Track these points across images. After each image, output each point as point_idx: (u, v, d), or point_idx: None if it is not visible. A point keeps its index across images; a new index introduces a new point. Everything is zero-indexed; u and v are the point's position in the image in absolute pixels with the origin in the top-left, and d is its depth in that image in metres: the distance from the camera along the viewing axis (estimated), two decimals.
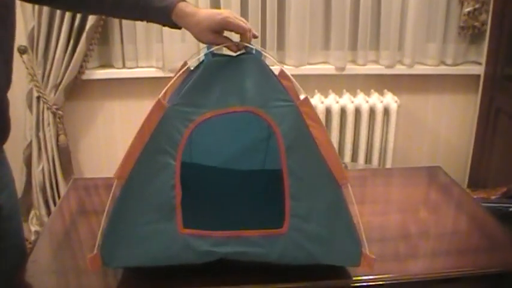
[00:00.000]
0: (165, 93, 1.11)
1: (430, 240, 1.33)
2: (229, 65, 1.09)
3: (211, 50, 1.12)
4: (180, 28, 1.23)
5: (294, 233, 1.10)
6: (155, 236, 1.08)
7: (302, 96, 1.10)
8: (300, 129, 1.08)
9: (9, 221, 1.27)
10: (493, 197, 2.39)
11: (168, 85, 1.10)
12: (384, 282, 1.16)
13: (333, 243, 1.12)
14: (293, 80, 1.17)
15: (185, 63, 1.23)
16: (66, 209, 1.44)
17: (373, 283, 1.15)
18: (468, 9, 2.63)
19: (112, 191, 1.07)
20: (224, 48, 1.18)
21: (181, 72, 1.14)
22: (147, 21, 1.31)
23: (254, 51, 1.11)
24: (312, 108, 1.09)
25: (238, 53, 1.15)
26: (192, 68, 1.22)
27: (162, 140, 1.06)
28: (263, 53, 1.12)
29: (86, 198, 1.51)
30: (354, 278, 1.16)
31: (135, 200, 1.07)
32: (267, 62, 1.13)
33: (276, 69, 1.19)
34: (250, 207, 1.29)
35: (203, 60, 1.11)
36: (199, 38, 1.18)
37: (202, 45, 2.61)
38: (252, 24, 1.18)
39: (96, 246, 1.08)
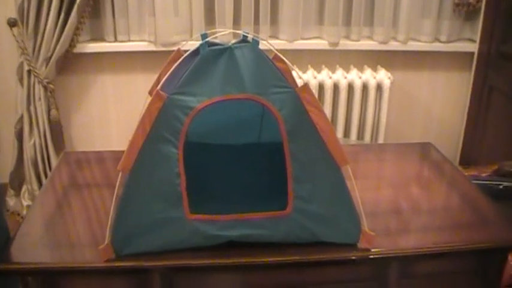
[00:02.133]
0: (160, 81, 1.11)
1: (420, 215, 1.33)
2: (226, 55, 1.09)
3: (207, 39, 1.10)
4: None
5: (297, 214, 1.13)
6: (164, 224, 1.11)
7: (301, 82, 1.11)
8: (299, 115, 1.10)
9: None
10: (484, 175, 2.41)
11: (166, 75, 1.09)
12: (374, 256, 1.17)
13: (334, 222, 1.16)
14: (288, 63, 1.17)
15: (178, 51, 1.22)
16: (56, 183, 1.44)
17: (379, 256, 1.18)
18: None
19: (117, 182, 1.08)
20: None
21: (179, 61, 1.12)
22: None
23: (251, 40, 1.11)
24: (311, 94, 1.10)
25: (234, 41, 1.14)
26: (186, 56, 1.20)
27: (163, 130, 1.07)
28: (259, 41, 1.11)
29: (77, 172, 1.50)
30: (346, 254, 1.17)
31: (141, 190, 1.09)
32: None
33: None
34: (254, 189, 1.30)
35: (198, 49, 1.10)
36: None
37: (195, 20, 2.60)
38: None
39: (107, 237, 1.09)
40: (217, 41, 1.14)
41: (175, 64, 1.12)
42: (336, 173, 1.13)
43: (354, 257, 1.17)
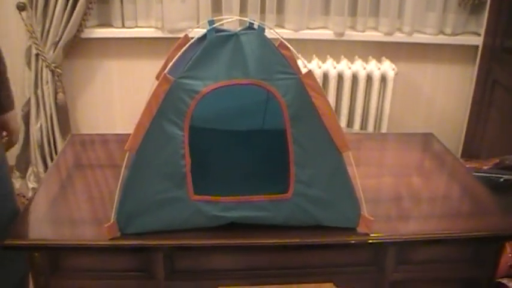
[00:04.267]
0: (167, 65, 1.13)
1: (419, 203, 1.36)
2: (233, 41, 1.11)
3: (214, 25, 1.13)
4: None
5: (298, 197, 1.16)
6: (168, 204, 1.14)
7: (305, 70, 1.13)
8: (303, 100, 1.12)
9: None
10: (485, 167, 2.42)
11: (174, 60, 1.12)
12: (373, 241, 1.20)
13: (334, 207, 1.18)
14: (293, 50, 1.19)
15: (186, 37, 1.24)
16: (63, 164, 1.47)
17: (377, 241, 1.21)
18: None
19: (124, 162, 1.11)
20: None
21: (187, 46, 1.15)
22: None
23: (257, 27, 1.13)
24: (315, 80, 1.12)
25: (240, 28, 1.16)
26: (193, 42, 1.23)
27: (169, 112, 1.09)
28: (265, 27, 1.14)
29: (83, 153, 1.53)
30: (346, 238, 1.20)
31: (147, 170, 1.12)
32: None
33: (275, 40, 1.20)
34: (256, 173, 1.33)
35: (205, 35, 1.12)
36: None
37: (201, 7, 2.61)
38: None
39: (113, 215, 1.13)
40: (224, 27, 1.17)
41: (183, 49, 1.14)
42: (337, 158, 1.15)
43: (353, 241, 1.20)
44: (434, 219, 1.30)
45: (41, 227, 1.20)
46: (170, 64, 1.12)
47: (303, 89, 1.12)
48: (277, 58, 1.13)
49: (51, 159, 2.66)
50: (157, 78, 1.38)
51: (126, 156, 1.10)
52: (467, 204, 1.38)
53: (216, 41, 1.11)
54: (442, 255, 1.29)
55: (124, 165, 1.10)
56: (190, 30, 1.23)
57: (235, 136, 1.51)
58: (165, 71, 1.09)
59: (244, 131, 1.52)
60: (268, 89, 1.12)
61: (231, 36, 1.12)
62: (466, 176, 1.51)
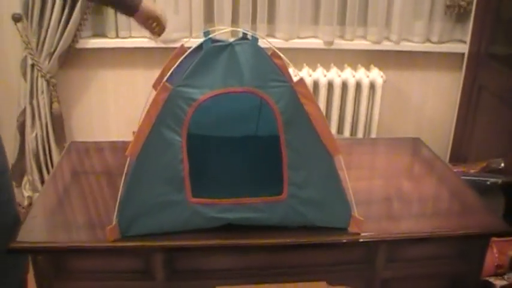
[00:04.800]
0: (164, 74, 1.18)
1: (409, 204, 1.42)
2: (228, 51, 1.17)
3: (210, 36, 1.18)
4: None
5: (292, 199, 1.21)
6: (167, 206, 1.19)
7: (297, 78, 1.19)
8: (295, 107, 1.18)
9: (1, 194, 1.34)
10: (472, 171, 2.49)
11: (172, 69, 1.17)
12: (364, 240, 1.25)
13: (326, 208, 1.24)
14: (285, 58, 1.24)
15: (182, 47, 1.30)
16: (63, 170, 1.51)
17: (368, 240, 1.27)
18: None
19: (126, 167, 1.16)
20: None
21: (184, 56, 1.20)
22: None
23: (250, 37, 1.19)
24: (306, 88, 1.18)
25: (235, 39, 1.22)
26: (189, 51, 1.28)
27: (168, 119, 1.15)
28: (258, 38, 1.19)
29: (82, 160, 1.58)
30: (338, 237, 1.25)
31: (147, 175, 1.17)
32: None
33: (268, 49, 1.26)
34: (251, 176, 1.38)
35: (201, 45, 1.18)
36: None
37: (194, 18, 2.66)
38: None
39: (114, 218, 1.17)
40: (218, 38, 1.22)
41: (180, 59, 1.19)
42: (328, 161, 1.21)
43: (345, 240, 1.25)
44: (422, 218, 1.36)
45: (44, 231, 1.24)
46: (168, 73, 1.17)
47: (295, 96, 1.17)
48: (270, 67, 1.18)
49: (47, 168, 2.69)
50: (153, 87, 1.43)
51: (127, 162, 1.15)
52: (454, 204, 1.44)
53: (211, 51, 1.16)
54: (431, 252, 1.34)
55: (125, 171, 1.15)
56: (186, 40, 1.29)
57: (230, 142, 1.56)
58: (164, 79, 1.14)
59: (239, 137, 1.57)
60: (262, 97, 1.17)
61: (226, 47, 1.17)
62: (452, 178, 1.57)
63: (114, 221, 1.17)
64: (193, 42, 1.23)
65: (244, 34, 1.21)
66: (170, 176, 1.17)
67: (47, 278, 1.22)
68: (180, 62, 1.19)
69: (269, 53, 1.24)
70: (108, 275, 1.25)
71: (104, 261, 1.25)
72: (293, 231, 1.24)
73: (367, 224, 1.26)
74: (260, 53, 1.18)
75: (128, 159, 1.15)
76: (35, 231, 1.24)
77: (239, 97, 1.36)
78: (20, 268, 1.40)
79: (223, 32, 1.24)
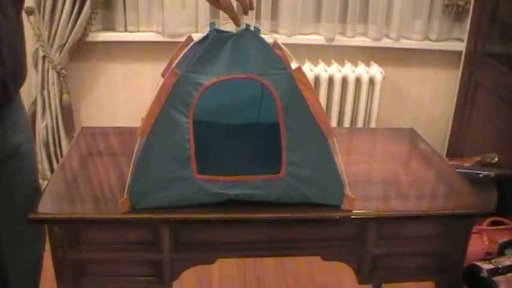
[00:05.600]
0: (172, 63, 1.28)
1: (399, 186, 1.51)
2: (232, 40, 1.26)
3: (215, 27, 1.28)
4: None
5: (289, 177, 1.31)
6: (174, 182, 1.28)
7: (295, 65, 1.28)
8: (293, 92, 1.27)
9: (26, 159, 1.43)
10: (466, 165, 2.58)
11: (179, 57, 1.27)
12: (355, 217, 1.34)
13: (321, 185, 1.33)
14: (285, 49, 1.33)
15: (190, 37, 1.39)
16: (77, 150, 1.61)
17: (358, 216, 1.36)
18: None
19: (136, 145, 1.25)
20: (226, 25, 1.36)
21: (191, 44, 1.30)
22: None
23: (253, 28, 1.28)
24: (304, 75, 1.27)
25: (239, 29, 1.31)
26: (196, 42, 1.38)
27: (176, 102, 1.24)
28: (261, 28, 1.29)
29: (93, 143, 1.68)
30: (330, 214, 1.34)
31: (156, 153, 1.26)
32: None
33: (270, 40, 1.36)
34: (252, 158, 1.47)
35: (208, 35, 1.27)
36: (210, 2, 1.38)
37: (200, 14, 2.76)
38: None
39: (126, 192, 1.26)
40: (223, 29, 1.32)
41: (188, 47, 1.29)
42: (323, 142, 1.30)
43: (338, 217, 1.34)
44: (411, 199, 1.45)
45: (60, 204, 1.34)
46: (177, 60, 1.27)
47: (294, 82, 1.26)
48: (271, 56, 1.27)
49: (56, 158, 2.80)
50: (162, 75, 1.52)
51: (138, 140, 1.24)
52: (442, 187, 1.54)
53: (217, 40, 1.26)
54: (419, 231, 1.42)
55: (136, 148, 1.24)
56: (192, 34, 1.39)
57: (232, 129, 1.65)
58: (173, 65, 1.24)
59: (240, 124, 1.66)
60: (264, 83, 1.26)
61: (231, 37, 1.26)
62: (441, 164, 1.66)
63: (126, 195, 1.26)
64: (200, 35, 1.33)
65: (247, 26, 1.30)
66: (177, 154, 1.26)
67: (61, 249, 1.31)
68: (188, 51, 1.29)
69: (271, 45, 1.33)
70: (118, 246, 1.34)
71: (115, 232, 1.33)
72: (290, 207, 1.32)
73: (360, 203, 1.36)
74: (262, 43, 1.27)
75: (139, 138, 1.24)
76: (51, 204, 1.34)
77: (241, 87, 1.46)
78: (39, 242, 1.49)
79: (227, 23, 1.33)
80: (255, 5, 1.29)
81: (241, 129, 1.66)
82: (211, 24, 1.30)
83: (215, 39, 1.26)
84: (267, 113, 1.52)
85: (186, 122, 1.25)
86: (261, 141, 1.56)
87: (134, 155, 1.25)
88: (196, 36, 1.36)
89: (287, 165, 1.30)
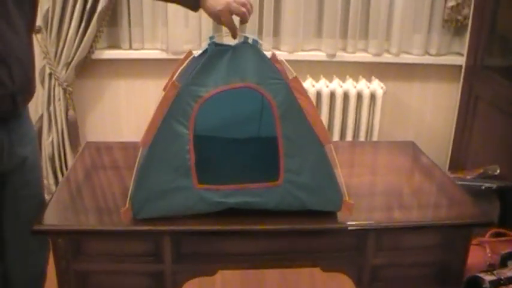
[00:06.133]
0: (173, 76, 1.32)
1: (399, 197, 1.53)
2: (230, 52, 1.30)
3: (213, 40, 1.32)
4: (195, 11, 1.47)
5: (288, 184, 1.34)
6: (175, 192, 1.31)
7: (292, 76, 1.32)
8: (290, 101, 1.31)
9: (32, 171, 1.47)
10: (468, 177, 2.59)
11: (179, 69, 1.32)
12: (352, 228, 1.37)
13: (319, 192, 1.36)
14: (284, 61, 1.36)
15: (190, 52, 1.44)
16: (81, 164, 1.64)
17: (359, 227, 1.39)
18: (451, 4, 2.82)
19: (138, 156, 1.29)
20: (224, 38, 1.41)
21: (190, 58, 1.35)
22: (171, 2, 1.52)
23: (251, 41, 1.32)
24: (300, 84, 1.31)
25: (237, 41, 1.35)
26: (196, 56, 1.41)
27: (177, 113, 1.28)
28: (259, 41, 1.33)
29: (98, 157, 1.71)
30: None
31: (157, 163, 1.29)
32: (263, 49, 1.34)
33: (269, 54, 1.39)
34: (252, 169, 1.50)
35: (207, 49, 1.31)
36: (211, 18, 1.41)
37: (203, 31, 2.80)
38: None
39: (128, 201, 1.29)
40: (224, 42, 1.36)
41: (187, 61, 1.33)
42: (320, 149, 1.33)
43: (336, 227, 1.37)
44: (410, 210, 1.48)
45: (64, 216, 1.37)
46: (177, 73, 1.31)
47: (290, 92, 1.30)
48: (269, 66, 1.31)
49: (61, 172, 2.83)
50: (164, 89, 1.56)
51: (140, 151, 1.27)
52: (442, 198, 1.56)
53: (215, 53, 1.30)
54: (418, 241, 1.44)
55: (138, 158, 1.28)
56: (195, 52, 1.44)
57: (233, 142, 1.68)
58: (173, 78, 1.27)
59: (241, 138, 1.69)
60: (261, 92, 1.31)
61: (229, 49, 1.30)
62: (440, 176, 1.68)
63: (128, 204, 1.29)
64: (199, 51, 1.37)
65: (246, 38, 1.34)
66: (178, 164, 1.29)
67: (64, 259, 1.34)
68: (188, 65, 1.33)
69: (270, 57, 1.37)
70: (121, 257, 1.36)
71: (117, 244, 1.36)
72: (290, 218, 1.35)
73: (362, 214, 1.38)
74: (260, 54, 1.31)
75: (141, 148, 1.27)
76: (56, 215, 1.37)
77: (242, 101, 1.49)
78: (43, 254, 1.52)
79: (228, 35, 1.38)
80: (256, 22, 1.35)
81: (242, 143, 1.69)
82: (210, 38, 1.34)
83: (213, 53, 1.30)
84: (268, 127, 1.55)
85: (186, 133, 1.28)
86: (261, 153, 1.58)
87: (136, 166, 1.28)
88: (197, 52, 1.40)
89: (285, 172, 1.33)
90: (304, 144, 1.32)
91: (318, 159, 1.34)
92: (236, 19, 1.36)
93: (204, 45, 1.35)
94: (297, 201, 1.35)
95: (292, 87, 1.30)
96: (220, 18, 1.36)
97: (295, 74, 1.31)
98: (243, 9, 1.34)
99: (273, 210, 1.35)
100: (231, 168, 1.50)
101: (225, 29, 1.39)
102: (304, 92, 1.30)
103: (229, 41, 1.37)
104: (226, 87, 1.30)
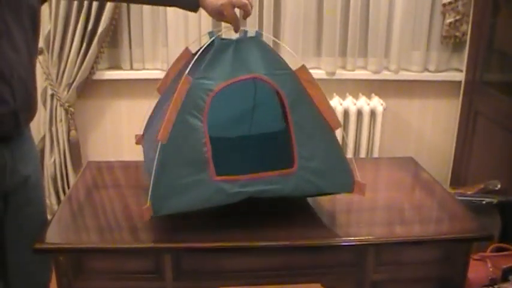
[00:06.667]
0: (168, 77, 1.42)
1: (399, 212, 1.53)
2: (236, 45, 1.34)
3: (216, 35, 1.36)
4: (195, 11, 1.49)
5: (302, 170, 1.37)
6: (193, 186, 1.31)
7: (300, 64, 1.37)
8: (299, 90, 1.35)
9: (35, 190, 1.48)
10: (469, 192, 2.59)
11: (191, 63, 1.32)
12: (362, 243, 1.38)
13: (332, 176, 1.40)
14: (291, 51, 1.42)
15: (186, 49, 1.49)
16: (83, 183, 1.66)
17: (359, 243, 1.39)
18: (450, 20, 2.85)
19: (157, 152, 1.27)
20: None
21: (200, 52, 1.37)
22: (170, 6, 1.54)
23: (254, 33, 1.36)
24: (308, 73, 1.36)
25: (239, 35, 1.39)
26: (201, 50, 1.43)
27: (190, 107, 1.29)
28: (261, 33, 1.38)
29: (99, 176, 1.73)
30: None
31: (174, 158, 1.30)
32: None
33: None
34: (255, 161, 1.51)
35: (210, 43, 1.35)
36: (211, 16, 1.44)
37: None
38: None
39: (148, 200, 1.28)
40: (225, 37, 1.40)
41: (197, 55, 1.36)
42: (330, 135, 1.38)
43: (335, 243, 1.37)
44: (410, 225, 1.48)
45: (65, 234, 1.38)
46: (189, 66, 1.32)
47: (298, 80, 1.34)
48: (274, 57, 1.36)
49: (64, 192, 2.84)
50: (158, 90, 1.58)
51: (158, 147, 1.26)
52: (441, 213, 1.56)
53: (221, 47, 1.33)
54: (418, 256, 1.44)
55: (157, 154, 1.26)
56: (192, 43, 1.49)
57: (228, 141, 1.68)
58: (185, 73, 1.29)
59: (234, 137, 1.70)
60: (269, 82, 1.34)
61: (232, 42, 1.34)
62: (440, 190, 1.69)
63: (148, 202, 1.27)
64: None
65: (245, 32, 1.37)
66: (195, 157, 1.30)
67: (66, 277, 1.35)
68: (197, 59, 1.36)
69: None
70: (122, 275, 1.37)
71: (118, 261, 1.37)
72: (289, 233, 1.36)
73: (359, 229, 1.39)
74: (263, 46, 1.36)
75: (159, 144, 1.26)
76: (58, 234, 1.38)
77: (233, 100, 1.52)
78: (45, 273, 1.52)
79: (226, 30, 1.42)
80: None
81: (236, 142, 1.69)
82: (210, 34, 1.39)
83: (220, 46, 1.33)
84: (260, 124, 1.61)
85: (201, 126, 1.30)
86: (258, 150, 1.60)
87: (155, 162, 1.27)
88: (195, 47, 1.46)
89: (299, 159, 1.36)
90: (315, 130, 1.37)
91: (328, 144, 1.38)
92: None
93: (204, 40, 1.40)
94: (312, 186, 1.39)
95: (300, 76, 1.34)
96: (221, 13, 1.39)
97: (302, 63, 1.36)
98: (245, 0, 1.38)
99: (289, 196, 1.39)
100: (237, 162, 1.50)
101: (224, 24, 1.43)
102: (311, 80, 1.35)
103: (228, 35, 1.41)
104: (235, 80, 1.33)
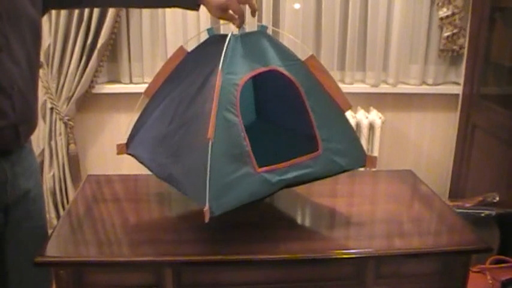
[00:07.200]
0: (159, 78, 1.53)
1: (398, 225, 1.54)
2: (248, 39, 1.39)
3: (234, 32, 1.39)
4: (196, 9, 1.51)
5: (326, 152, 1.44)
6: (240, 180, 1.32)
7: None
8: (310, 79, 1.42)
9: (35, 204, 1.48)
10: (467, 205, 2.60)
11: (221, 59, 1.31)
12: (362, 256, 1.38)
13: (349, 154, 1.49)
14: (298, 41, 1.53)
15: (181, 47, 1.52)
16: (83, 197, 1.66)
17: (359, 255, 1.39)
18: (447, 34, 2.88)
19: (209, 152, 1.25)
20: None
21: (208, 44, 1.45)
22: (170, 7, 1.57)
23: (260, 27, 1.42)
24: (317, 61, 1.44)
25: (240, 30, 1.43)
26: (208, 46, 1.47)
27: (226, 103, 1.30)
28: (267, 26, 1.44)
29: (99, 189, 1.73)
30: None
31: (221, 156, 1.29)
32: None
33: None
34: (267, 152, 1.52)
35: (218, 38, 1.41)
36: (212, 13, 1.46)
37: None
38: None
39: (207, 202, 1.26)
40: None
41: (208, 45, 1.43)
42: (342, 116, 1.47)
43: (334, 256, 1.37)
44: (412, 238, 1.48)
45: (66, 247, 1.37)
46: (220, 63, 1.31)
47: (308, 69, 1.41)
48: (283, 49, 1.43)
49: (63, 206, 2.85)
50: (145, 93, 1.59)
51: (210, 144, 1.24)
52: (440, 225, 1.56)
53: (237, 39, 1.36)
54: (418, 269, 1.44)
55: (209, 154, 1.24)
56: (187, 41, 1.51)
57: None
58: (219, 68, 1.29)
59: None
60: (284, 73, 1.40)
61: (246, 34, 1.39)
62: (441, 204, 1.69)
63: (207, 205, 1.25)
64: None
65: (243, 28, 1.43)
66: (238, 152, 1.30)
67: None
68: (205, 51, 1.43)
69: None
70: None
71: (118, 275, 1.36)
72: (289, 246, 1.36)
73: (358, 242, 1.39)
74: (272, 39, 1.42)
75: (209, 143, 1.24)
76: (58, 248, 1.38)
77: None
78: (45, 286, 1.52)
79: (224, 24, 1.46)
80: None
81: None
82: (209, 31, 1.45)
83: (234, 40, 1.36)
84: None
85: (237, 120, 1.31)
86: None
87: (208, 163, 1.25)
88: (190, 46, 1.50)
89: (322, 142, 1.43)
90: (329, 114, 1.44)
91: (342, 126, 1.46)
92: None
93: (203, 37, 1.45)
94: (336, 166, 1.46)
95: (309, 65, 1.41)
96: (224, 10, 1.42)
97: (311, 53, 1.42)
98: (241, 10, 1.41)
99: (319, 178, 1.47)
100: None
101: (222, 22, 1.47)
102: (322, 68, 1.42)
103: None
104: (254, 73, 1.37)
